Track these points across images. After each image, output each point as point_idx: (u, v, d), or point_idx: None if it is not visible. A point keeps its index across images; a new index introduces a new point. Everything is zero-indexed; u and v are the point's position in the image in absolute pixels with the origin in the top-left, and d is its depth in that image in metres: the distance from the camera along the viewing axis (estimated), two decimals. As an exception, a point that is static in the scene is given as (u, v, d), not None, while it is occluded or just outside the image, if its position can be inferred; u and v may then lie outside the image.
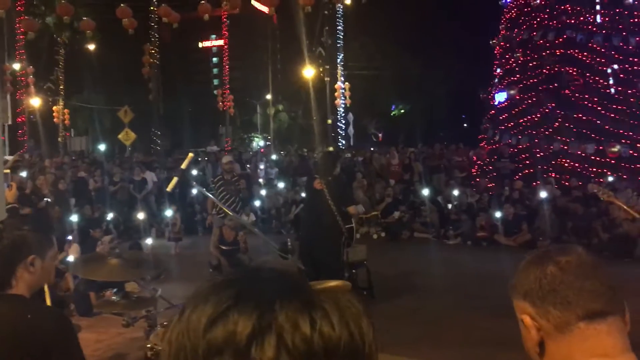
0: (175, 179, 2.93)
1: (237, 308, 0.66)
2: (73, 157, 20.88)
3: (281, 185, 15.69)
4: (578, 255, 1.22)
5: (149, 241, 9.24)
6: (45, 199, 10.29)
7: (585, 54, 14.40)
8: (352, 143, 30.06)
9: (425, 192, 13.53)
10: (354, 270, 7.42)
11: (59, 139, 30.20)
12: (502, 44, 16.02)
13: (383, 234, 12.82)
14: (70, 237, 8.47)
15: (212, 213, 9.53)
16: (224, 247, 9.11)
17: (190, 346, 0.67)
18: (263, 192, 14.76)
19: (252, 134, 47.04)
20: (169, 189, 3.14)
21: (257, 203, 14.05)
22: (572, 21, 14.51)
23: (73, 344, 2.07)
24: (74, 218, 10.45)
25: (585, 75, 14.29)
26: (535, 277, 1.20)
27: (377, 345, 0.72)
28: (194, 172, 14.25)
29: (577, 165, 13.64)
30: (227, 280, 0.72)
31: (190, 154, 3.13)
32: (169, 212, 12.89)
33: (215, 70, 59.28)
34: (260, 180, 16.14)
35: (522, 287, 1.22)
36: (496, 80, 16.24)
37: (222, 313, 0.67)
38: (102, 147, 30.94)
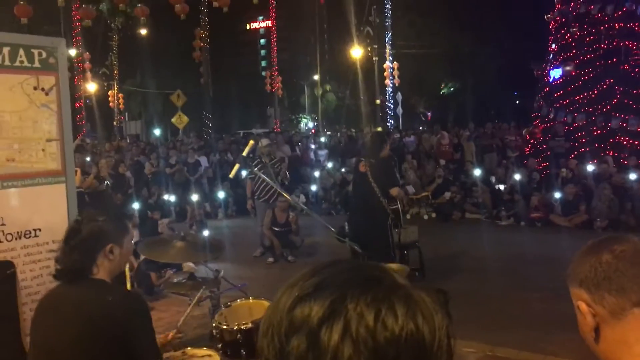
0: (237, 166, 3.03)
1: (314, 295, 0.76)
2: (128, 141, 21.50)
3: (330, 166, 15.79)
4: (634, 244, 1.26)
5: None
6: (105, 182, 10.69)
7: (646, 26, 13.78)
8: (401, 123, 29.78)
9: (477, 172, 13.35)
10: (405, 252, 7.44)
11: (114, 123, 31.14)
12: (557, 18, 15.46)
13: (434, 215, 12.75)
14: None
15: (253, 197, 9.54)
16: (276, 229, 9.26)
17: (277, 323, 0.77)
18: (315, 173, 14.87)
19: (300, 115, 47.19)
20: (231, 175, 3.25)
21: (313, 187, 14.16)
22: (632, -7, 13.88)
23: (148, 323, 2.23)
24: (134, 201, 10.81)
25: (646, 49, 13.69)
26: (591, 265, 1.24)
27: (453, 339, 0.79)
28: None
29: (636, 143, 13.16)
30: (314, 270, 0.82)
31: (251, 141, 3.23)
32: (221, 194, 13.12)
33: (262, 52, 59.56)
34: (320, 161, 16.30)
35: (578, 275, 1.27)
36: (551, 56, 15.72)
37: (302, 297, 0.77)
38: (157, 131, 31.67)
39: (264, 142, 9.74)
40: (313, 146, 18.14)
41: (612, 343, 1.21)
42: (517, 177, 12.66)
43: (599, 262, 1.23)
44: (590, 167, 12.15)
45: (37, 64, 3.59)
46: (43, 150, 3.61)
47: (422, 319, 0.75)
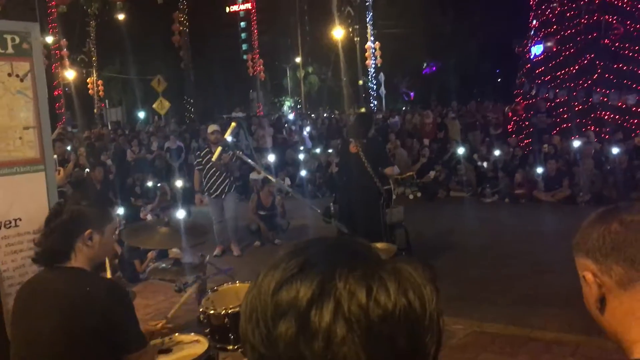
0: (219, 149, 2.99)
1: (300, 275, 0.72)
2: (110, 128, 21.24)
3: (315, 149, 15.74)
4: None
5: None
6: (86, 169, 10.55)
7: (625, 0, 13.83)
8: (384, 104, 29.73)
9: (461, 150, 13.38)
10: (392, 232, 7.45)
11: (95, 110, 30.71)
12: (537, -6, 15.48)
13: (419, 194, 12.79)
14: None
15: (202, 191, 8.50)
16: (262, 213, 9.23)
17: (261, 307, 0.73)
18: (300, 156, 14.79)
19: (283, 98, 46.89)
20: (214, 158, 3.20)
21: (303, 172, 14.08)
22: (612, -34, 13.90)
23: (130, 312, 2.17)
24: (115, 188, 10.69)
25: (626, 24, 13.74)
26: (599, 234, 1.20)
27: (441, 311, 0.76)
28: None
29: (617, 117, 13.27)
30: (297, 250, 0.78)
31: (233, 124, 3.18)
32: (179, 183, 11.98)
33: (243, 35, 58.86)
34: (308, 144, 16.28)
35: (585, 244, 1.23)
36: (532, 32, 15.75)
37: (287, 279, 0.73)
38: (141, 114, 31.15)
39: (211, 128, 8.62)
40: (308, 129, 18.13)
41: (618, 314, 1.19)
42: (500, 154, 12.73)
43: (607, 232, 1.20)
44: (575, 145, 12.21)
45: (10, 50, 3.49)
46: (20, 138, 3.53)
47: (412, 293, 0.73)
